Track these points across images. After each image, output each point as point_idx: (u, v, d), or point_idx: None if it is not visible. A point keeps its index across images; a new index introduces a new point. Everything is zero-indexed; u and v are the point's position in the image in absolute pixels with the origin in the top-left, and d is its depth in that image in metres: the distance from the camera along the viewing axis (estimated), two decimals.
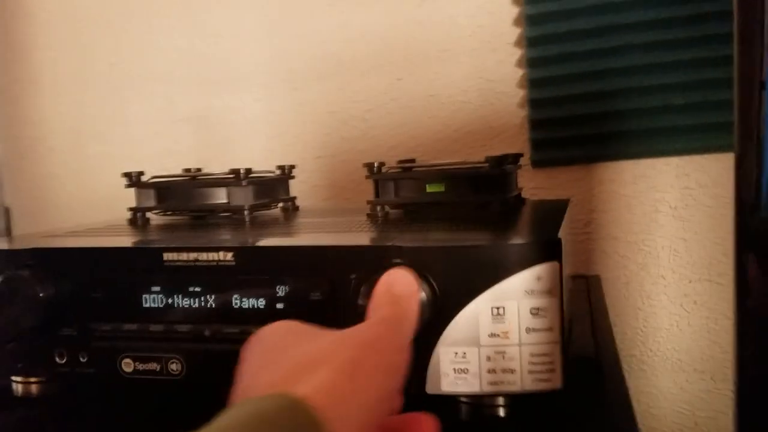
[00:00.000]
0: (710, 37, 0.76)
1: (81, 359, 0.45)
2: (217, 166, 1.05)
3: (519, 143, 0.87)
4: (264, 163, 1.00)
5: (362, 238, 0.47)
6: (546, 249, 0.37)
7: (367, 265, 0.38)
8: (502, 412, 0.41)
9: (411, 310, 0.34)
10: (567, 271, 0.59)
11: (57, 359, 0.46)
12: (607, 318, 0.65)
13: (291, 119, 0.98)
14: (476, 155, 0.93)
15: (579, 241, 0.85)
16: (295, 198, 0.72)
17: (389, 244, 0.39)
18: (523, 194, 0.67)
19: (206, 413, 0.23)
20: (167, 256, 0.42)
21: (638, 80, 0.79)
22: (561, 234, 0.41)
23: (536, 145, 0.85)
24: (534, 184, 0.87)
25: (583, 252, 0.85)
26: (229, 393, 0.28)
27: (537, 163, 0.86)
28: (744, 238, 0.34)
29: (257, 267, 0.41)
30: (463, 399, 0.41)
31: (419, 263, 0.38)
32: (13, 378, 0.49)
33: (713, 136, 0.78)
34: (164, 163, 1.04)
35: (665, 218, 0.82)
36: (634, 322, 0.85)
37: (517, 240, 0.37)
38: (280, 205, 0.70)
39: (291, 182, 0.74)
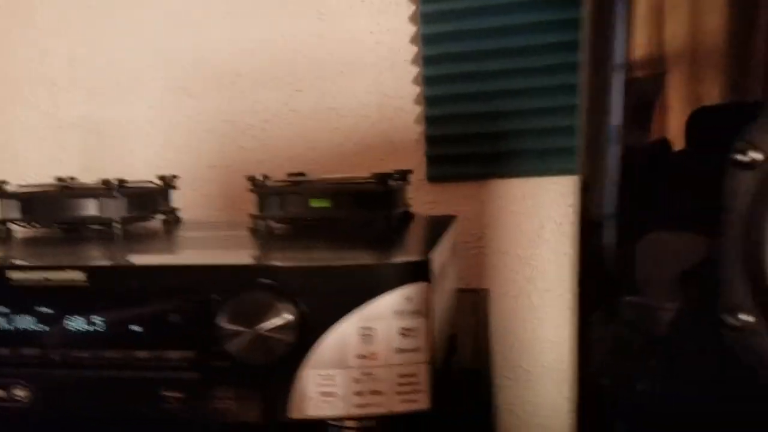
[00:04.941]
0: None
1: None
2: (106, 175, 1.00)
3: (417, 158, 0.88)
4: (156, 173, 0.96)
5: (235, 255, 0.45)
6: (415, 270, 0.37)
7: (230, 285, 0.36)
8: None
9: None
10: (454, 285, 0.59)
11: None
12: (487, 331, 0.66)
13: (186, 128, 0.95)
14: (376, 169, 0.92)
15: (471, 255, 0.86)
16: (176, 210, 0.69)
17: (254, 263, 0.37)
18: (417, 209, 0.67)
19: None
20: (13, 275, 0.38)
21: (523, 102, 0.82)
22: (439, 252, 0.41)
23: (432, 160, 0.86)
24: (430, 198, 0.87)
25: (476, 266, 0.87)
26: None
27: (432, 179, 0.87)
28: None
29: (111, 288, 0.39)
30: (331, 422, 0.40)
31: (286, 284, 0.37)
32: None
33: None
34: (50, 171, 0.98)
35: (551, 234, 0.85)
36: (522, 334, 0.87)
37: (386, 261, 0.37)
38: (162, 217, 0.67)
39: (178, 193, 0.70)
